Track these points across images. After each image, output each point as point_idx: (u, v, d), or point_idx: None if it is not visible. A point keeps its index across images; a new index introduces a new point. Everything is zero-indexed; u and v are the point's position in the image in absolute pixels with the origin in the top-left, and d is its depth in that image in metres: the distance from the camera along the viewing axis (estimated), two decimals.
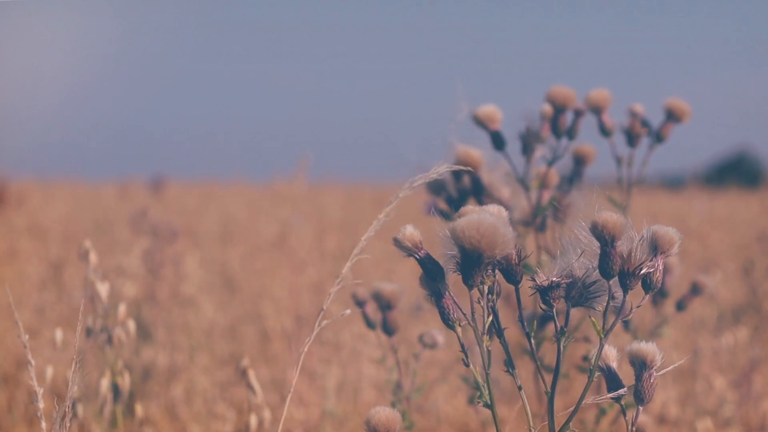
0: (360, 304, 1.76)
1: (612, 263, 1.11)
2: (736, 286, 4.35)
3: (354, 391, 3.07)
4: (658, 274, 1.13)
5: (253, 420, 1.63)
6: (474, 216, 1.10)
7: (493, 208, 1.15)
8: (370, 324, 1.77)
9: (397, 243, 1.15)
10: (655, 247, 1.13)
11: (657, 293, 1.87)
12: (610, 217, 1.11)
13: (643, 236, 1.13)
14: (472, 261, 1.10)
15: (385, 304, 1.70)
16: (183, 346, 3.42)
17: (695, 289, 1.96)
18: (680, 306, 1.96)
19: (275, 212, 6.78)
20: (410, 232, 1.15)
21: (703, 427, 2.10)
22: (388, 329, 1.71)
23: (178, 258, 4.03)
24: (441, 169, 1.21)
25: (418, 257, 1.15)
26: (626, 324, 1.84)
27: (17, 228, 5.46)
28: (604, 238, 1.11)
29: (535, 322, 1.18)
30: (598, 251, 1.12)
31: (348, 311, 1.35)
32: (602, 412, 1.78)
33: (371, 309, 1.77)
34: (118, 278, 3.64)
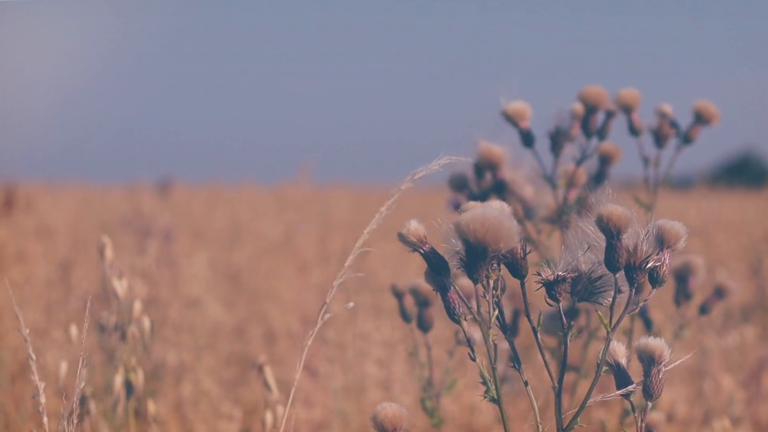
0: (398, 296, 1.76)
1: (618, 256, 1.11)
2: (744, 286, 4.34)
3: (359, 391, 3.07)
4: (664, 267, 1.13)
5: (269, 417, 1.62)
6: (478, 210, 1.10)
7: (496, 203, 1.15)
8: (406, 317, 1.76)
9: (402, 238, 1.14)
10: (662, 241, 1.12)
11: (681, 295, 1.86)
12: (615, 209, 1.10)
13: (648, 230, 1.12)
14: (477, 255, 1.10)
15: (423, 301, 1.69)
16: (188, 346, 3.41)
17: (719, 293, 1.94)
18: (704, 309, 1.93)
19: (282, 215, 6.78)
20: (415, 227, 1.14)
21: (720, 426, 2.08)
22: (424, 326, 1.71)
23: (184, 259, 4.03)
24: (443, 161, 1.21)
25: (422, 252, 1.14)
26: (648, 326, 1.82)
27: (26, 231, 5.47)
28: (610, 230, 1.11)
29: (540, 315, 1.17)
30: (604, 245, 1.11)
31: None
32: (626, 413, 1.76)
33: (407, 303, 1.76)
34: (122, 278, 3.63)
